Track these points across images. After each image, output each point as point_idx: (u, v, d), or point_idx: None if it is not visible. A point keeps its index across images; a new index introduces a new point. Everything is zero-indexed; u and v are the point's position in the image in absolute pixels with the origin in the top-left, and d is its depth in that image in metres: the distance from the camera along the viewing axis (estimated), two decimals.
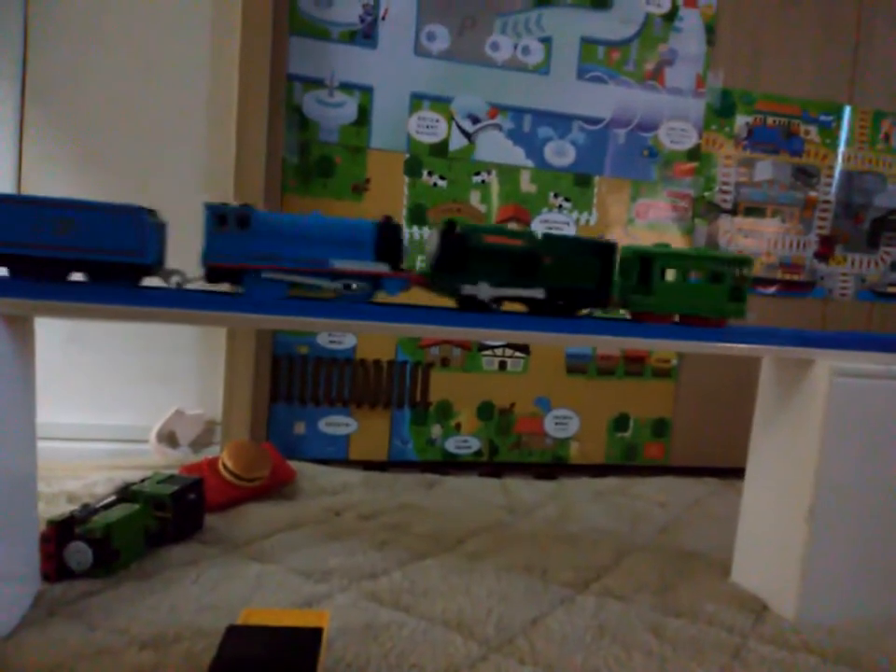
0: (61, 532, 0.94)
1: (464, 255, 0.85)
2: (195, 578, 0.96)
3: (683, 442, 1.82)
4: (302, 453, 1.62)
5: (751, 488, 1.09)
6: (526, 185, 1.68)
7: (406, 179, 1.63)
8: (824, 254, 1.86)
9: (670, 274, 0.91)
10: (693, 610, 0.96)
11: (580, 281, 0.89)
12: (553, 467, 1.75)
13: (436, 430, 1.69)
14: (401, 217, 1.63)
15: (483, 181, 1.66)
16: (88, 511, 0.98)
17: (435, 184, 1.64)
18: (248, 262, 0.80)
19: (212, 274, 0.81)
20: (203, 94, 1.57)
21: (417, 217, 1.64)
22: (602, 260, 0.89)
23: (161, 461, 1.46)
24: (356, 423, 1.65)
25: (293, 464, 1.44)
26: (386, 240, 0.84)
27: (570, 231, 1.69)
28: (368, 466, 1.62)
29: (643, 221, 1.75)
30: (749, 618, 0.96)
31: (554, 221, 1.68)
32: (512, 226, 1.67)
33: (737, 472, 1.22)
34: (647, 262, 0.92)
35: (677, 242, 1.77)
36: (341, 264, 0.83)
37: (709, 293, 0.93)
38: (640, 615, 0.94)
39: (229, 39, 1.55)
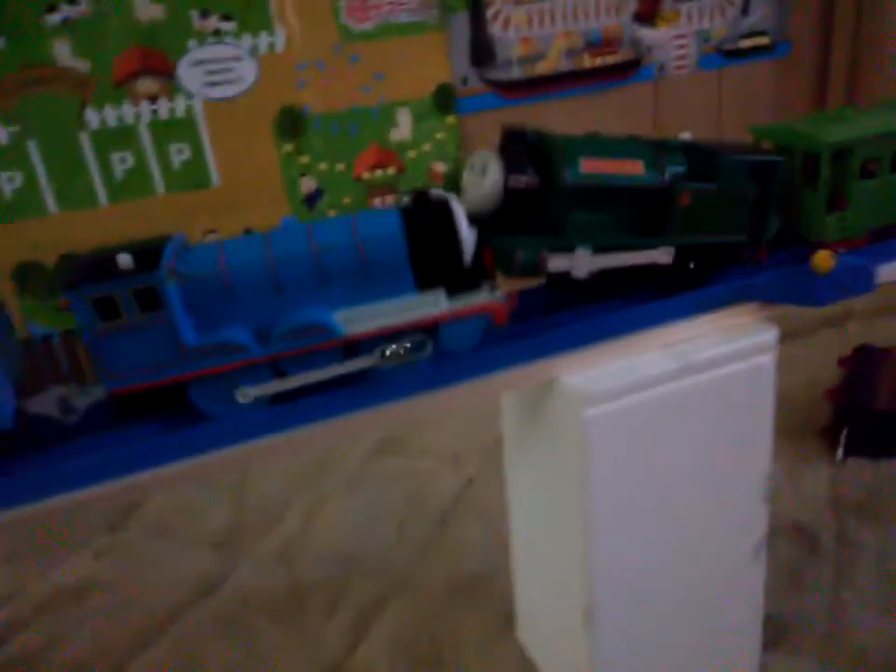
0: None
1: (549, 198, 0.49)
2: None
3: None
4: None
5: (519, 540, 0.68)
6: (146, 7, 1.01)
7: None
8: (647, 13, 1.27)
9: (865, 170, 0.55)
10: None
11: (727, 229, 0.54)
12: None
13: None
14: None
15: (65, 19, 0.98)
16: None
17: None
18: (185, 369, 0.44)
19: (129, 404, 0.46)
20: None
21: None
22: (761, 189, 0.54)
23: None
24: None
25: None
26: (430, 243, 0.46)
27: (250, 68, 1.06)
28: None
29: (364, 26, 1.11)
30: None
31: (215, 59, 1.04)
32: (153, 89, 1.03)
33: None
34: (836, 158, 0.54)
35: (429, 45, 1.15)
36: (360, 325, 0.46)
37: None
38: None
39: None
